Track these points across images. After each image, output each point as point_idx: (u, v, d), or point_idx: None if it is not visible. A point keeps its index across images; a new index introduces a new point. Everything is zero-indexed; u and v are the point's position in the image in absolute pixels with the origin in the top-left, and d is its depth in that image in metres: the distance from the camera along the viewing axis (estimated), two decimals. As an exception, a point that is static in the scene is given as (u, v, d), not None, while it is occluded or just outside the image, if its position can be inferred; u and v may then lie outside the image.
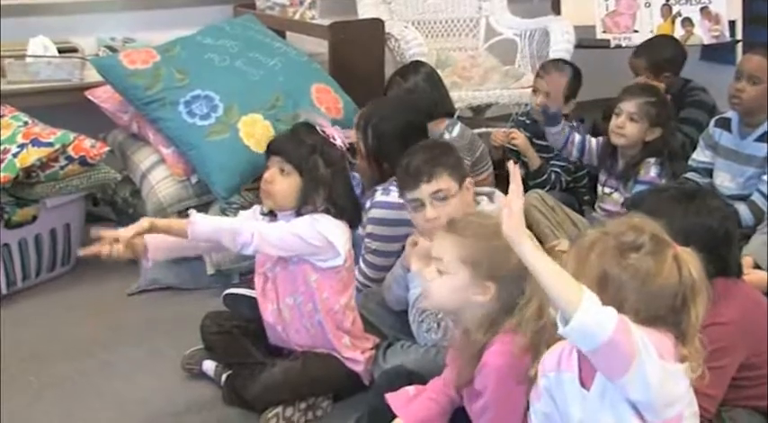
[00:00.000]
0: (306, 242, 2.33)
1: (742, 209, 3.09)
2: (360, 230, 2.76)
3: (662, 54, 3.87)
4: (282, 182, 2.39)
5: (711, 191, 2.19)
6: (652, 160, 3.17)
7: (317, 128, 2.46)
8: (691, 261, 1.58)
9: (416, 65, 3.50)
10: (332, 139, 2.44)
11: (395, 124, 2.87)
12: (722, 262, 2.07)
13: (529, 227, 1.67)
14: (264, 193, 2.43)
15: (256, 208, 2.55)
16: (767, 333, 2.08)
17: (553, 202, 3.26)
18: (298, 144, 2.41)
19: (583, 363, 1.68)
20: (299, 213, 2.40)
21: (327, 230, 2.36)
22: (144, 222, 2.25)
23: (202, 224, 2.26)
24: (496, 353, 1.87)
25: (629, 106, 3.17)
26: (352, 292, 2.51)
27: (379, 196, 2.77)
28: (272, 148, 2.45)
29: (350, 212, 2.45)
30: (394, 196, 2.68)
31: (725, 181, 3.32)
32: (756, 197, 3.17)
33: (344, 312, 2.46)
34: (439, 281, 1.93)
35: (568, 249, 1.66)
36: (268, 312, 2.49)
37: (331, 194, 2.39)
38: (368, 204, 2.79)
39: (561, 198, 3.37)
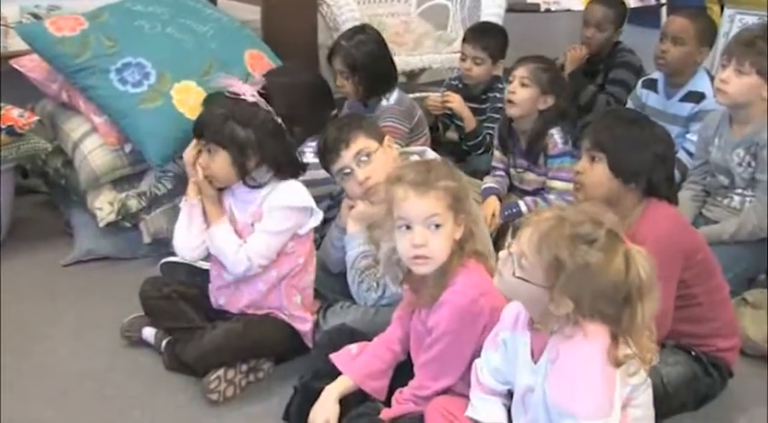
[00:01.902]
0: (290, 226, 2.40)
1: (669, 166, 3.20)
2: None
3: (620, 4, 4.01)
4: (214, 162, 2.37)
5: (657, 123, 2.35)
6: (554, 131, 3.11)
7: (225, 92, 2.42)
8: (641, 261, 1.61)
9: (362, 28, 3.47)
10: (243, 97, 2.39)
11: (298, 90, 2.88)
12: (661, 188, 2.21)
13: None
14: (208, 178, 2.41)
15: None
16: (694, 251, 2.21)
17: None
18: (209, 119, 2.38)
19: (534, 335, 1.74)
20: (246, 184, 2.40)
21: (295, 198, 2.40)
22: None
23: (223, 231, 2.38)
24: (457, 292, 1.93)
25: (520, 72, 3.12)
26: (314, 256, 2.57)
27: None
28: (195, 131, 2.43)
29: (289, 165, 2.44)
30: (309, 157, 2.74)
31: None
32: (681, 155, 3.27)
33: (307, 272, 2.51)
34: (437, 238, 1.92)
35: (524, 227, 1.69)
36: (216, 276, 2.51)
37: (264, 154, 2.37)
38: None
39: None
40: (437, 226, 1.92)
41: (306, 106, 2.80)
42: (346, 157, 2.44)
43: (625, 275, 1.59)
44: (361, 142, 2.44)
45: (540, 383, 1.69)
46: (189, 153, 2.43)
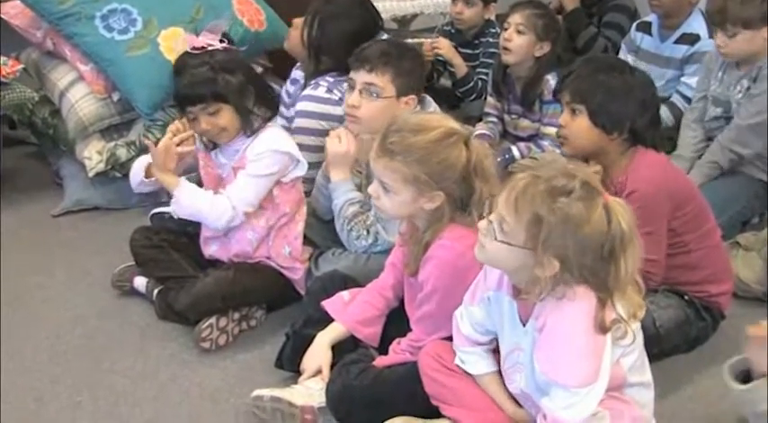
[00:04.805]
0: (273, 171, 2.37)
1: (662, 110, 3.16)
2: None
3: None
4: (220, 119, 2.36)
5: (637, 68, 2.30)
6: (549, 77, 3.09)
7: (192, 50, 2.43)
8: (621, 212, 1.58)
9: None
10: (211, 46, 2.39)
11: (341, 23, 2.83)
12: (646, 135, 2.17)
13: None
14: (216, 137, 2.41)
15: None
16: (685, 199, 2.19)
17: None
18: (197, 80, 2.35)
19: (520, 303, 1.72)
20: (247, 132, 2.40)
21: (278, 142, 2.39)
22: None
23: (187, 193, 2.34)
24: (443, 246, 1.91)
25: (516, 18, 3.09)
26: (305, 205, 2.55)
27: (307, 90, 2.79)
28: (185, 102, 2.38)
29: (272, 97, 2.47)
30: (321, 91, 2.71)
31: None
32: (676, 98, 3.25)
33: (296, 222, 2.49)
34: (386, 199, 1.93)
35: (500, 194, 1.66)
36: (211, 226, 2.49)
37: (257, 93, 2.39)
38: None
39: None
40: (386, 189, 1.92)
41: (343, 39, 2.74)
42: (359, 75, 2.40)
43: (607, 228, 1.56)
44: (382, 80, 2.38)
45: (529, 345, 1.69)
46: (171, 139, 2.38)
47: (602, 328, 1.59)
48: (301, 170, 2.45)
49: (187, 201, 2.37)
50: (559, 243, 1.55)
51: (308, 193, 2.79)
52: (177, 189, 2.36)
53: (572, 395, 1.59)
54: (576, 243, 1.55)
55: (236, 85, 2.34)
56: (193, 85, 2.36)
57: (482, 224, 1.66)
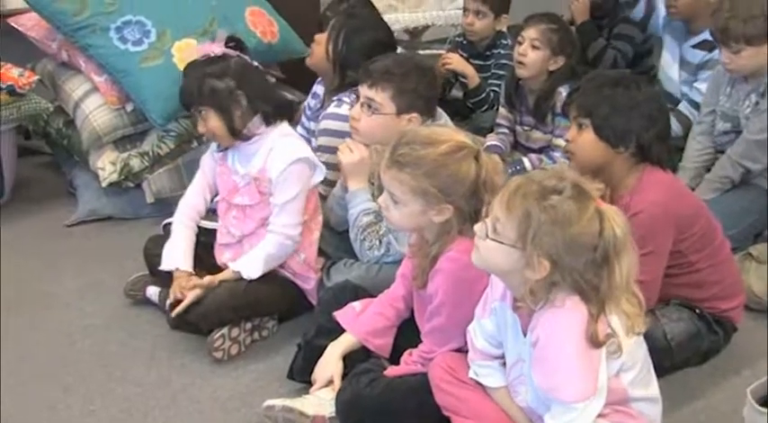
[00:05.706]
0: (303, 184, 2.42)
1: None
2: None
3: None
4: (209, 123, 2.41)
5: (645, 80, 2.28)
6: (562, 89, 3.06)
7: (198, 58, 2.49)
8: (615, 219, 1.58)
9: None
10: (213, 55, 2.44)
11: (367, 37, 2.83)
12: (652, 150, 2.16)
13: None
14: (214, 140, 2.51)
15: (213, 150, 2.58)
16: (690, 220, 2.18)
17: None
18: (189, 86, 2.43)
19: (519, 312, 1.73)
20: (243, 138, 2.43)
21: (295, 151, 2.42)
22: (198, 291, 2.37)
23: (252, 266, 2.39)
24: (451, 258, 1.91)
25: (530, 33, 3.07)
26: (320, 214, 2.57)
27: (331, 108, 2.78)
28: (183, 104, 2.51)
29: (274, 102, 2.48)
30: (345, 109, 2.70)
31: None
32: (683, 106, 3.23)
33: (311, 230, 2.50)
34: (395, 210, 1.94)
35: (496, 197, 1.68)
36: (224, 234, 2.51)
37: (250, 97, 2.40)
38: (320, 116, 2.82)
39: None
40: (394, 201, 1.93)
41: (369, 52, 2.69)
42: (363, 89, 2.42)
43: (599, 231, 1.56)
44: (381, 97, 2.39)
45: (529, 357, 1.69)
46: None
47: (595, 342, 1.59)
48: (319, 176, 2.48)
49: (260, 272, 2.39)
50: (548, 241, 1.56)
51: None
52: (247, 278, 2.40)
53: (570, 410, 1.60)
54: (565, 242, 1.56)
55: (221, 90, 2.38)
56: (184, 91, 2.46)
57: (477, 226, 1.68)
